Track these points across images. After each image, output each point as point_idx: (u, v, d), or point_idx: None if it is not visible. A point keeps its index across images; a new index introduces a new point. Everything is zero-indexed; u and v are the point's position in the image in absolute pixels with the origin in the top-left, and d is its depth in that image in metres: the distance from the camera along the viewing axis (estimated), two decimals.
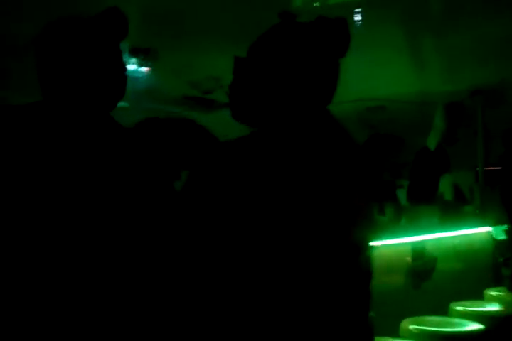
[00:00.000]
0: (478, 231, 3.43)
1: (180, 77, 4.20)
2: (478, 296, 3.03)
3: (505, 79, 4.40)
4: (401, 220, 3.01)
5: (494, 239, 3.29)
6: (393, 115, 5.74)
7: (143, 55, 3.63)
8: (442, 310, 2.73)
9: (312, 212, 1.15)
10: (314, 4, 3.19)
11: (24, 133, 1.25)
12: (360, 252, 1.21)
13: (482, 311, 2.75)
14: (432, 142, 3.51)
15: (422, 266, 2.83)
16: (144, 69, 3.97)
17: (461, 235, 3.21)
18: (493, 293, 3.01)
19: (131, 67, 3.82)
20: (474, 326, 2.46)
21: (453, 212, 3.26)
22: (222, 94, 4.33)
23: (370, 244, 1.23)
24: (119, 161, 1.29)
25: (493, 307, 2.82)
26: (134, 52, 3.54)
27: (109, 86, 1.34)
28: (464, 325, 2.47)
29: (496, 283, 3.22)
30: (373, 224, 1.27)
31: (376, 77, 4.52)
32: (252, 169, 1.17)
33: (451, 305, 2.77)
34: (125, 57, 1.82)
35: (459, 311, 2.72)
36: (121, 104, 1.40)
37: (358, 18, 3.38)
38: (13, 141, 1.24)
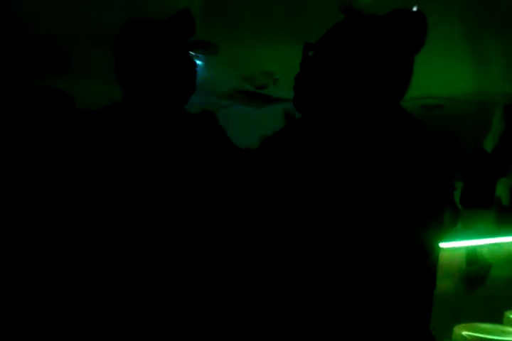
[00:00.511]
0: None
1: (235, 71, 4.20)
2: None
3: None
4: (457, 224, 2.93)
5: None
6: (450, 114, 5.60)
7: (202, 49, 3.66)
8: (496, 317, 2.63)
9: (380, 209, 1.11)
10: None
11: (110, 134, 1.34)
12: (428, 255, 1.17)
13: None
14: (489, 144, 3.40)
15: (475, 272, 2.74)
16: (199, 62, 4.00)
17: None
18: None
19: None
20: None
21: (510, 217, 3.15)
22: (275, 89, 4.32)
23: (438, 246, 1.18)
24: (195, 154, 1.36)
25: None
26: (193, 46, 3.56)
27: (183, 82, 1.45)
28: None
29: None
30: (443, 226, 1.22)
31: (434, 74, 4.41)
32: (314, 161, 1.15)
33: (506, 313, 2.67)
34: None
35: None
36: None
37: (416, 10, 3.29)
38: (99, 143, 1.34)
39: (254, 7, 3.18)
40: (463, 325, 2.41)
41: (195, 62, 1.48)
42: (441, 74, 4.53)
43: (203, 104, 4.50)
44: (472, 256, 2.76)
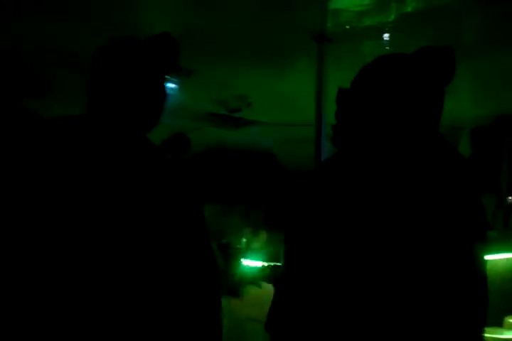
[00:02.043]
0: (502, 258, 3.38)
1: (209, 94, 4.27)
2: (500, 324, 2.99)
3: None
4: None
5: None
6: None
7: (175, 72, 3.71)
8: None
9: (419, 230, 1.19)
10: (347, 26, 3.24)
11: (62, 144, 1.28)
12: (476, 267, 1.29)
13: (498, 338, 2.71)
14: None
15: None
16: (173, 85, 4.05)
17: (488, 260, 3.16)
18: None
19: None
20: None
21: None
22: (248, 112, 4.39)
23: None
24: (144, 179, 1.31)
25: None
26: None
27: (151, 109, 1.38)
28: None
29: None
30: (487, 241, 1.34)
31: None
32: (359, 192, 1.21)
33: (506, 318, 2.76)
34: None
35: None
36: None
37: (386, 39, 3.41)
38: (50, 151, 1.27)
39: (228, 32, 3.26)
40: None
41: (166, 93, 1.42)
42: None
43: (176, 126, 4.55)
44: None
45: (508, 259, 3.35)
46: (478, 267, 1.31)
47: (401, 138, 1.26)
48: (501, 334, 2.78)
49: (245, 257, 4.56)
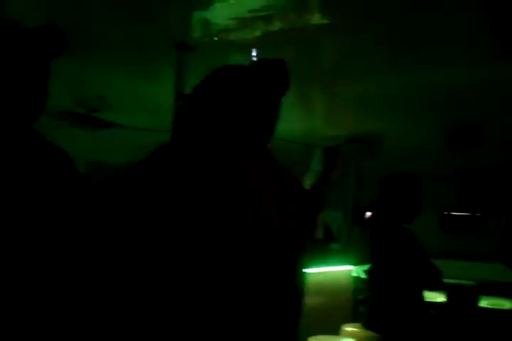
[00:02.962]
0: (343, 269, 3.60)
1: (68, 92, 4.09)
2: (337, 332, 3.16)
3: (378, 131, 4.73)
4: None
5: (356, 278, 3.46)
6: (279, 154, 5.94)
7: None
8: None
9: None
10: (214, 38, 3.28)
11: None
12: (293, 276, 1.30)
13: None
14: (307, 182, 3.65)
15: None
16: None
17: (326, 272, 3.35)
18: (348, 328, 3.15)
19: None
20: None
21: (321, 249, 3.40)
22: (107, 114, 4.27)
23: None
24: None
25: None
26: None
27: (36, 98, 1.31)
28: None
29: (354, 319, 3.37)
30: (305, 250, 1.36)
31: None
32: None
33: (309, 339, 2.87)
34: None
35: None
36: None
37: (254, 54, 3.50)
38: None
39: (89, 31, 3.15)
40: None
41: (47, 84, 1.33)
42: None
43: (36, 123, 4.30)
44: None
45: (347, 271, 3.56)
46: (296, 277, 1.33)
47: (228, 143, 1.30)
48: None
49: None
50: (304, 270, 1.37)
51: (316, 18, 3.17)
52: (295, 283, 1.32)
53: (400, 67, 3.60)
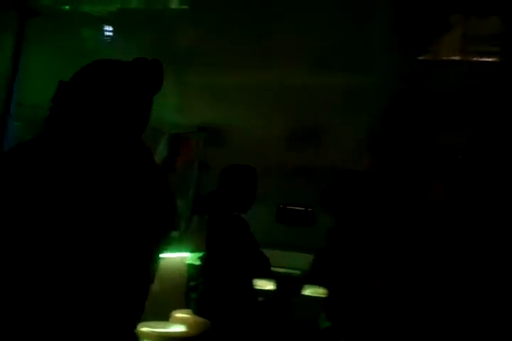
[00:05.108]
0: (179, 257, 3.62)
1: None
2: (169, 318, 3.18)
3: (225, 122, 4.83)
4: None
5: (191, 265, 3.51)
6: None
7: None
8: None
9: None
10: (65, 7, 3.11)
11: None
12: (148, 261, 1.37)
13: (165, 332, 2.88)
14: None
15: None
16: None
17: (163, 259, 3.35)
18: (178, 315, 3.18)
19: None
20: None
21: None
22: None
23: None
24: None
25: (178, 329, 2.98)
26: None
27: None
28: None
29: (187, 306, 3.42)
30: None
31: None
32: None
33: (139, 326, 2.85)
34: None
35: (143, 332, 2.81)
36: None
37: (106, 29, 3.38)
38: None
39: None
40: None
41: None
42: None
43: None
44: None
45: (183, 258, 3.60)
46: (148, 263, 1.40)
47: (101, 136, 1.36)
48: (168, 328, 2.96)
49: None
50: (158, 256, 1.43)
51: (175, 2, 3.15)
52: (147, 269, 1.38)
53: (254, 62, 3.71)
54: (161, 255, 1.46)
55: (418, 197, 1.80)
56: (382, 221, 2.11)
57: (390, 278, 1.58)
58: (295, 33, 3.05)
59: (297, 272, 3.95)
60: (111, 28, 3.38)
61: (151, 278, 1.42)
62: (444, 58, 3.49)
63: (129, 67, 1.44)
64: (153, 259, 1.41)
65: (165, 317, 3.17)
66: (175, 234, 3.89)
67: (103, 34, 3.36)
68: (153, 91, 1.46)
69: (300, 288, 3.29)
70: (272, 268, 3.29)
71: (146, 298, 1.39)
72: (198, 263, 3.21)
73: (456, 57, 3.47)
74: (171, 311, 3.22)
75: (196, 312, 3.13)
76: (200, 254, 3.18)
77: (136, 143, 1.43)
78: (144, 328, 2.84)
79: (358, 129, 4.29)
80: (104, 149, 1.35)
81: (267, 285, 3.73)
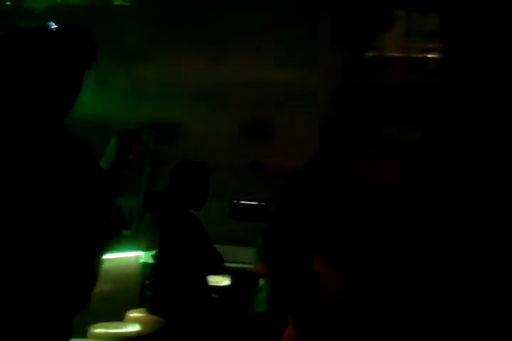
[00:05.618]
0: (132, 256, 3.59)
1: None
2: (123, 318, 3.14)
3: (176, 119, 4.81)
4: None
5: (144, 263, 3.48)
6: (80, 135, 5.69)
7: None
8: (81, 333, 2.74)
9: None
10: (6, 3, 3.02)
11: None
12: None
13: (120, 332, 2.85)
14: (104, 165, 3.57)
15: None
16: None
17: (115, 258, 3.31)
18: (132, 314, 3.15)
19: None
20: None
21: (113, 235, 3.34)
22: None
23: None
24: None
25: (132, 328, 2.95)
26: None
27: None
28: None
29: (141, 305, 3.39)
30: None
31: None
32: None
33: (91, 327, 2.81)
34: None
35: (97, 333, 2.77)
36: None
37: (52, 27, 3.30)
38: None
39: None
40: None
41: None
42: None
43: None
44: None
45: (136, 257, 3.57)
46: (93, 262, 1.32)
47: (19, 117, 1.21)
48: (122, 328, 2.92)
49: None
50: (101, 255, 1.34)
51: None
52: (89, 269, 1.30)
53: (205, 58, 3.69)
54: (104, 252, 1.37)
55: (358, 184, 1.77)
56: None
57: (335, 261, 1.55)
58: (248, 31, 3.05)
59: (252, 266, 3.97)
60: (54, 25, 3.30)
61: (90, 272, 1.32)
62: (387, 54, 3.58)
63: (51, 36, 1.24)
64: (91, 255, 1.31)
65: (119, 317, 3.14)
66: (127, 232, 3.85)
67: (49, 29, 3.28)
68: (83, 66, 1.27)
69: (256, 282, 3.31)
70: (228, 264, 3.29)
71: (86, 295, 1.29)
72: (151, 261, 3.19)
73: (399, 54, 3.57)
74: (125, 311, 3.19)
75: (151, 310, 3.11)
76: (153, 252, 3.16)
77: (58, 127, 1.27)
78: (99, 329, 2.80)
79: (309, 124, 4.33)
80: (18, 132, 1.19)
81: (222, 281, 3.73)
